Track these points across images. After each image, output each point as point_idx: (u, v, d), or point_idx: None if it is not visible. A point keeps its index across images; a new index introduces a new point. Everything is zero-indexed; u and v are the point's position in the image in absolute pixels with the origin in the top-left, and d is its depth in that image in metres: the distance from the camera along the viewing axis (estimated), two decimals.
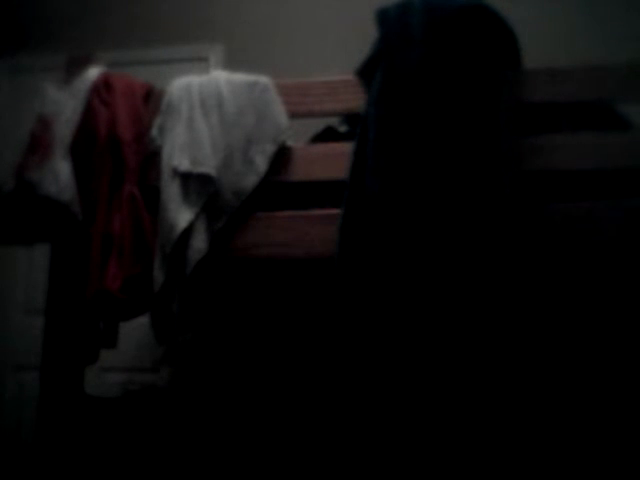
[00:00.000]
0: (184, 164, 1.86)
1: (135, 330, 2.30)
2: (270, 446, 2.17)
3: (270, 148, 1.86)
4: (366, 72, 1.78)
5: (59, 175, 1.90)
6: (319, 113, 1.93)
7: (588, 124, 1.75)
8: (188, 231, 1.83)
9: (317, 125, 2.07)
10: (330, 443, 2.12)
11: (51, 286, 1.98)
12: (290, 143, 1.89)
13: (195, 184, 1.85)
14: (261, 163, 1.85)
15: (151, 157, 1.95)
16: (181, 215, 1.82)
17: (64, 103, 1.98)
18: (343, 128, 2.02)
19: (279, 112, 1.88)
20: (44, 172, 1.91)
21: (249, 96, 1.90)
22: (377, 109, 1.70)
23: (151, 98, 2.02)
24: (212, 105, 1.91)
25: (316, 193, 1.86)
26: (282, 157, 1.87)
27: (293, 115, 1.90)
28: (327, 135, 2.04)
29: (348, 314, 1.70)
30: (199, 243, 1.82)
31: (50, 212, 1.93)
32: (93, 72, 2.02)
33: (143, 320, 1.99)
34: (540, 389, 2.04)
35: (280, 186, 1.89)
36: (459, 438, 2.00)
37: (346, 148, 1.76)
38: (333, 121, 2.06)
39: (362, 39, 1.83)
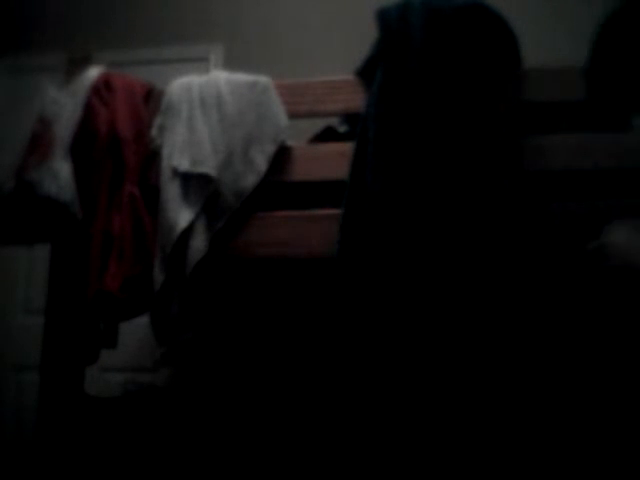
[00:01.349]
0: (184, 164, 1.86)
1: (135, 330, 2.30)
2: (270, 446, 2.17)
3: (270, 148, 1.86)
4: (366, 72, 1.78)
5: (59, 175, 1.91)
6: (319, 113, 1.93)
7: (588, 124, 1.75)
8: (188, 231, 1.83)
9: (317, 125, 2.07)
10: (330, 443, 2.12)
11: (51, 286, 1.98)
12: (290, 143, 1.89)
13: (195, 184, 1.85)
14: (261, 163, 1.85)
15: (151, 157, 1.95)
16: (181, 215, 1.82)
17: (64, 103, 1.98)
18: (343, 128, 2.02)
19: (279, 112, 1.88)
20: (44, 172, 1.91)
21: (249, 96, 1.90)
22: (377, 109, 1.70)
23: (151, 98, 2.03)
24: (212, 105, 1.91)
25: (316, 193, 1.86)
26: (282, 157, 1.87)
27: (293, 115, 1.90)
28: (327, 135, 2.04)
29: (349, 314, 1.70)
30: (199, 243, 1.82)
31: (50, 212, 1.93)
32: (93, 72, 2.02)
33: (143, 320, 1.99)
34: (540, 388, 2.04)
35: (280, 186, 1.89)
36: (459, 438, 2.00)
37: (346, 148, 1.76)
38: (333, 121, 2.06)
39: (362, 39, 1.83)
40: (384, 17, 1.77)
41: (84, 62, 2.06)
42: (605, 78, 1.65)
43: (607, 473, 1.89)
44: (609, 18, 1.68)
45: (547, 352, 2.07)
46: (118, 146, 1.92)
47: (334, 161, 1.80)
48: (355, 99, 1.81)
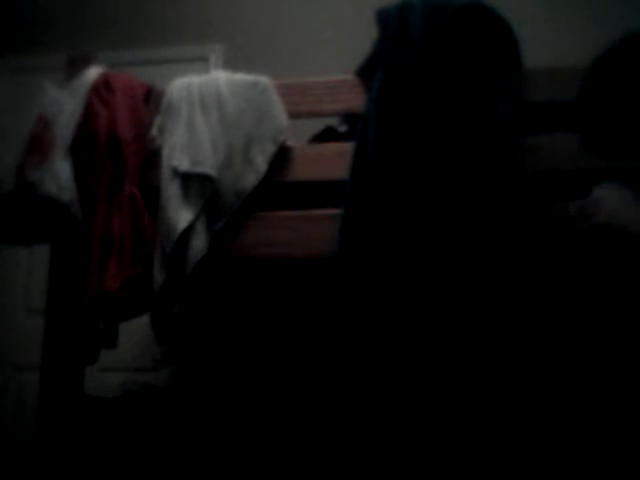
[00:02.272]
0: (184, 164, 1.86)
1: (135, 330, 2.30)
2: (270, 446, 2.17)
3: (270, 148, 1.86)
4: (366, 72, 1.78)
5: (59, 175, 1.91)
6: (319, 113, 1.93)
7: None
8: (188, 231, 1.83)
9: (317, 125, 2.07)
10: (330, 443, 2.12)
11: (51, 286, 1.98)
12: (290, 143, 1.89)
13: (195, 184, 1.85)
14: (261, 163, 1.85)
15: (151, 157, 1.95)
16: (181, 215, 1.82)
17: (64, 103, 1.98)
18: (343, 128, 2.02)
19: (279, 112, 1.88)
20: (44, 172, 1.91)
21: (249, 96, 1.90)
22: (377, 109, 1.70)
23: (151, 98, 2.03)
24: (212, 105, 1.91)
25: (316, 193, 1.86)
26: (282, 157, 1.87)
27: (293, 115, 1.90)
28: (327, 135, 2.04)
29: (348, 314, 1.70)
30: (199, 243, 1.82)
31: (50, 212, 1.93)
32: (93, 72, 2.02)
33: (143, 320, 1.99)
34: (540, 389, 2.04)
35: (280, 186, 1.89)
36: (457, 438, 2.00)
37: (346, 148, 1.76)
38: (333, 121, 2.06)
39: (362, 39, 1.83)
40: (384, 17, 1.77)
41: (84, 62, 2.06)
42: (594, 117, 1.65)
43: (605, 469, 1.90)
44: (601, 56, 1.68)
45: (546, 353, 2.08)
46: (118, 146, 1.92)
47: (334, 161, 1.80)
48: (355, 99, 1.81)
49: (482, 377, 2.01)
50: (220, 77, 1.98)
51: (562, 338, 2.10)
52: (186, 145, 1.88)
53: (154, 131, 1.95)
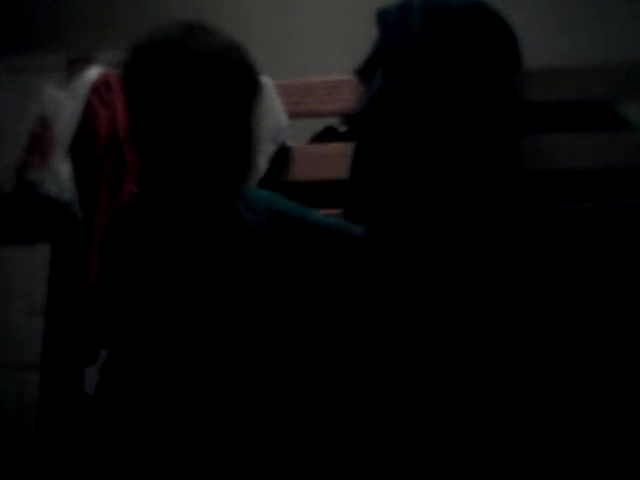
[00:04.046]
0: None
1: None
2: (272, 445, 2.17)
3: (270, 148, 1.86)
4: (366, 72, 1.78)
5: (59, 175, 1.91)
6: (319, 113, 1.93)
7: (588, 124, 1.75)
8: None
9: (317, 125, 2.07)
10: (331, 442, 2.12)
11: (51, 286, 1.97)
12: (290, 143, 1.89)
13: None
14: (261, 163, 1.85)
15: None
16: None
17: (64, 103, 1.98)
18: (343, 128, 2.02)
19: (279, 112, 1.88)
20: (44, 172, 1.91)
21: None
22: (377, 109, 1.70)
23: None
24: None
25: (316, 193, 1.86)
26: (282, 157, 1.87)
27: (293, 115, 1.90)
28: (327, 135, 2.04)
29: (348, 314, 1.70)
30: None
31: (50, 212, 1.93)
32: (93, 72, 2.02)
33: None
34: (540, 389, 2.04)
35: (280, 186, 1.89)
36: (459, 436, 2.00)
37: (346, 148, 1.76)
38: (333, 121, 2.05)
39: (362, 39, 1.83)
40: (384, 17, 1.77)
41: (84, 62, 2.06)
42: None
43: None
44: None
45: (547, 353, 2.08)
46: (118, 146, 1.92)
47: (334, 161, 1.80)
48: (355, 99, 1.81)
49: (481, 375, 2.01)
50: None
51: (561, 336, 2.10)
52: None
53: None
